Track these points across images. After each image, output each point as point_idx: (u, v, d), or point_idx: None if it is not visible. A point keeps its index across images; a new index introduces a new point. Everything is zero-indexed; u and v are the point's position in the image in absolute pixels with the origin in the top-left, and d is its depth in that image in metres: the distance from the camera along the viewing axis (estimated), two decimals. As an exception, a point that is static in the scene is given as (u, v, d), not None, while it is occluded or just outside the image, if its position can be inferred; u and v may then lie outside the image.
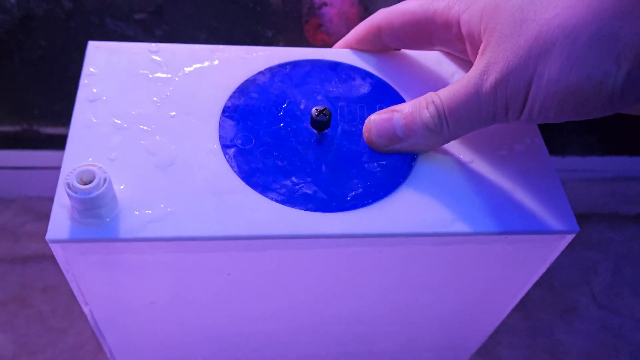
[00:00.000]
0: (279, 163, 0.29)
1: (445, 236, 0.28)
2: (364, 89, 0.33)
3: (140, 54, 0.32)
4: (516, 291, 0.35)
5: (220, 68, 0.32)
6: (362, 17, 0.45)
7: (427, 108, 0.29)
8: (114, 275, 0.28)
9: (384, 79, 0.34)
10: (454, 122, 0.28)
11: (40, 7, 0.46)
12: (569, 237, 0.29)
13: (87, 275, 0.28)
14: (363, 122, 0.31)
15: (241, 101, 0.31)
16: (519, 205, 0.29)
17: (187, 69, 0.32)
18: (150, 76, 0.31)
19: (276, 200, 0.28)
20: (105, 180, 0.25)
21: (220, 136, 0.30)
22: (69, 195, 0.25)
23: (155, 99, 0.31)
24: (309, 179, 0.29)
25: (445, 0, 0.30)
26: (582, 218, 0.67)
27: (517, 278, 0.33)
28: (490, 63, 0.27)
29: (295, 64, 0.33)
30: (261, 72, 0.33)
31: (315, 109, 0.30)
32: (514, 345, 0.57)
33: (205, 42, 0.48)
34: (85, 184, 0.25)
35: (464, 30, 0.29)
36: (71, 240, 0.25)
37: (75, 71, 0.50)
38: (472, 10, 0.29)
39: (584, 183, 0.68)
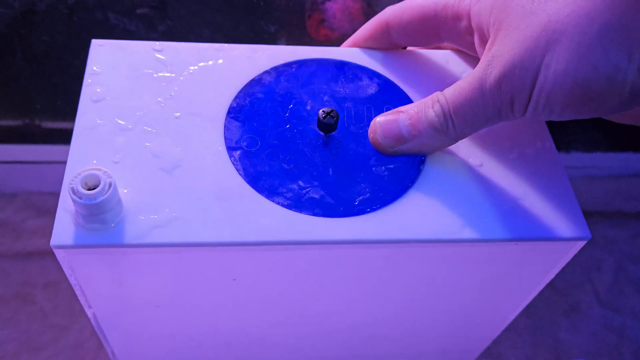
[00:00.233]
0: (285, 166, 0.29)
1: (455, 243, 0.28)
2: (371, 89, 0.32)
3: (144, 53, 0.32)
4: (524, 296, 0.34)
5: (225, 67, 0.32)
6: (365, 12, 0.45)
7: (433, 107, 0.28)
8: (119, 280, 0.28)
9: (391, 78, 0.33)
10: (459, 120, 0.28)
11: (43, 1, 0.46)
12: (580, 244, 0.29)
13: (91, 280, 0.28)
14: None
15: (247, 101, 0.31)
16: (530, 211, 0.29)
17: (191, 68, 0.31)
18: (155, 75, 0.31)
19: (283, 205, 0.27)
20: (110, 185, 0.25)
21: (225, 138, 0.29)
22: (73, 201, 0.24)
23: (159, 99, 0.30)
24: (315, 183, 0.28)
25: None
26: (585, 215, 0.67)
27: (526, 283, 0.33)
28: (495, 56, 0.26)
29: (301, 63, 0.33)
30: (267, 72, 0.32)
31: (323, 111, 0.29)
32: (517, 344, 0.57)
33: (207, 37, 0.48)
34: (90, 189, 0.24)
35: (474, 23, 0.29)
36: (76, 246, 0.25)
37: (78, 65, 0.50)
38: (483, 2, 0.28)
39: (588, 180, 0.67)
